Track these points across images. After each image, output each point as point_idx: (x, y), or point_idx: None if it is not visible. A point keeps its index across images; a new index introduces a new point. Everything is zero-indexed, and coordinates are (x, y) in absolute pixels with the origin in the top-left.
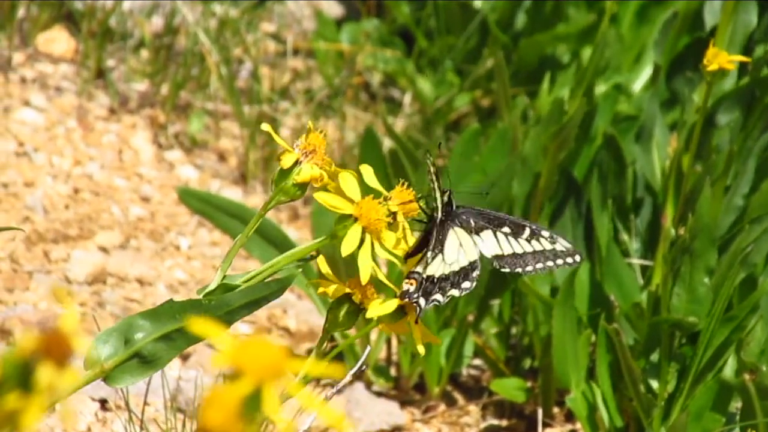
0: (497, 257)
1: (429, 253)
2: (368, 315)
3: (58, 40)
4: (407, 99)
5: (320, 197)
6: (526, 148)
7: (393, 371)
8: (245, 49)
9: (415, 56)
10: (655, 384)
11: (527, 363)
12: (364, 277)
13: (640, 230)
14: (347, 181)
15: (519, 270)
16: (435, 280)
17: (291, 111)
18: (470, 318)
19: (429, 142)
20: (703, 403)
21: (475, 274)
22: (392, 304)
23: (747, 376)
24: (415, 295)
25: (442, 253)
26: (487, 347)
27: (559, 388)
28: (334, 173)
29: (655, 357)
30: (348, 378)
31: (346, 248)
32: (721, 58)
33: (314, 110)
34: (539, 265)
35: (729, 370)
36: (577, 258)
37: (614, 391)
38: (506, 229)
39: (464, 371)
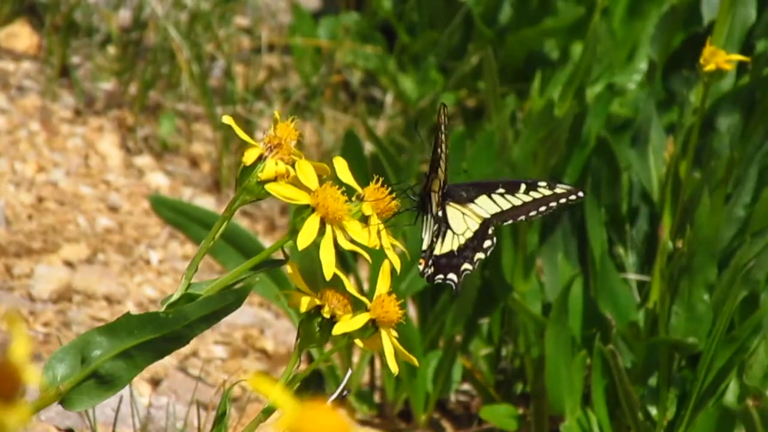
0: (497, 215)
1: (425, 235)
2: (335, 331)
3: (20, 35)
4: (389, 99)
5: (272, 189)
6: (515, 153)
7: (377, 397)
8: (218, 44)
9: (397, 52)
10: (654, 410)
11: (519, 387)
12: (328, 273)
13: (636, 242)
14: (304, 169)
15: (522, 218)
16: (456, 253)
17: (266, 112)
18: (458, 339)
19: (413, 145)
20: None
21: (490, 231)
22: (362, 318)
23: (750, 402)
24: (441, 276)
25: (450, 228)
26: (476, 371)
27: (552, 414)
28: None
29: (653, 381)
30: (329, 405)
31: (302, 241)
32: (718, 58)
33: (291, 111)
34: (542, 208)
35: (731, 395)
36: (580, 194)
37: (611, 419)
38: (501, 190)
39: (452, 397)
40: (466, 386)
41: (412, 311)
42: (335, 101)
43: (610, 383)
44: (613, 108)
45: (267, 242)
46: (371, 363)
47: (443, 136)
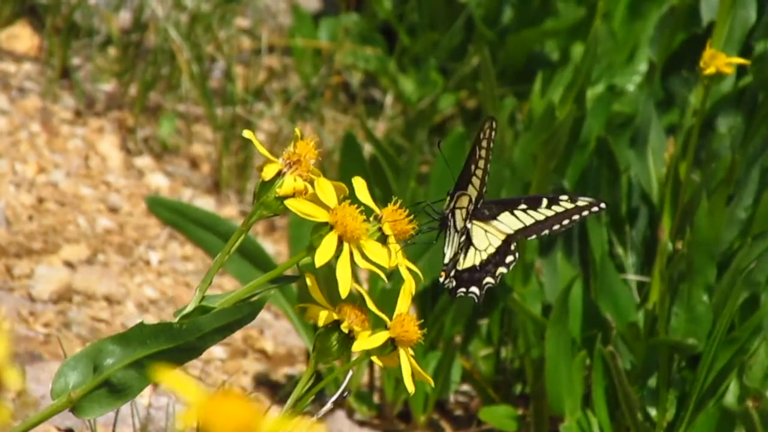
0: (520, 230)
1: (447, 249)
2: (355, 348)
3: (20, 36)
4: (389, 100)
5: (292, 205)
6: (515, 155)
7: (376, 398)
8: (218, 46)
9: (397, 54)
10: (653, 411)
11: (518, 388)
12: (344, 291)
13: (636, 243)
14: (323, 187)
15: (546, 232)
16: (477, 267)
17: (266, 113)
18: (458, 339)
19: (412, 146)
20: None
21: (513, 247)
22: (381, 336)
23: (750, 403)
24: (463, 289)
25: (472, 245)
26: (476, 371)
27: (552, 415)
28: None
29: (653, 382)
30: (329, 406)
31: (320, 258)
32: (718, 61)
33: (291, 113)
34: (565, 222)
35: (731, 396)
36: (602, 205)
37: (611, 420)
38: (523, 206)
39: (451, 397)
40: (465, 387)
41: (412, 312)
42: (335, 102)
43: (610, 384)
44: (613, 106)
45: (267, 243)
46: (371, 364)
47: (484, 151)
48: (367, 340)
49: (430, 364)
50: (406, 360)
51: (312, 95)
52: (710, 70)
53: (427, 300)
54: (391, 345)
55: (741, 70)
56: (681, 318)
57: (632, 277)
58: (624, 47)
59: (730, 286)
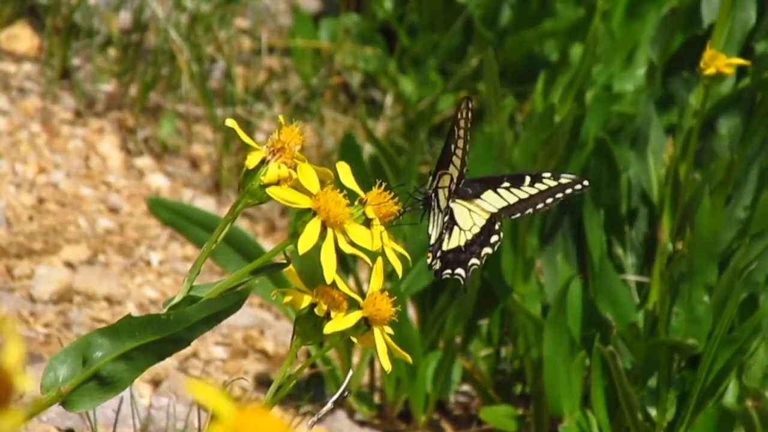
0: (505, 209)
1: (432, 230)
2: (327, 330)
3: (20, 36)
4: (389, 101)
5: (274, 192)
6: (515, 155)
7: (377, 398)
8: (218, 46)
9: (397, 54)
10: (653, 411)
11: (518, 388)
12: (329, 276)
13: (636, 243)
14: (306, 172)
15: (530, 210)
16: (463, 248)
17: (267, 114)
18: (458, 339)
19: (412, 146)
20: None
21: (497, 226)
22: (354, 316)
23: (749, 403)
24: (449, 270)
25: (456, 224)
26: (476, 371)
27: (552, 415)
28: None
29: (653, 382)
30: (329, 406)
31: (303, 245)
32: (719, 61)
33: (291, 113)
34: (549, 200)
35: (730, 395)
36: (585, 183)
37: (611, 420)
38: (506, 184)
39: (452, 397)
40: (465, 387)
41: (412, 312)
42: (335, 103)
43: (610, 384)
44: (613, 109)
45: (267, 243)
46: (371, 364)
47: (462, 131)
48: (339, 321)
49: (431, 364)
50: (380, 338)
51: (312, 96)
52: (711, 71)
53: (427, 300)
54: (365, 325)
55: (741, 72)
56: (681, 318)
57: (632, 277)
58: (622, 48)
59: (730, 286)
